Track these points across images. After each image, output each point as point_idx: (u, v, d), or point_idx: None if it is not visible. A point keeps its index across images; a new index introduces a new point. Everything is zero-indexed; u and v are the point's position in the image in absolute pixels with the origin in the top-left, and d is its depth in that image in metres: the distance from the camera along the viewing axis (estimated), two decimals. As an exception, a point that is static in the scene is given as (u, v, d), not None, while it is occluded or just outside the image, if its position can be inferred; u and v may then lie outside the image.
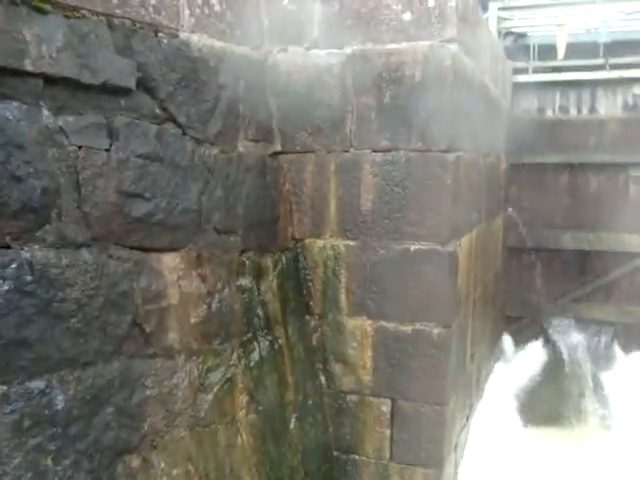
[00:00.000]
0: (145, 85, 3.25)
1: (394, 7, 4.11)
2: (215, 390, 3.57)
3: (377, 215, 4.30)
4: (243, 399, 3.77)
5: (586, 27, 8.22)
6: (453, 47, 4.05)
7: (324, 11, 4.31)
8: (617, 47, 7.89)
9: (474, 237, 5.10)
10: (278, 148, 4.42)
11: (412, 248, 4.24)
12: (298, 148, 4.42)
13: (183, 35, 3.54)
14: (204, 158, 3.68)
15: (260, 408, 3.90)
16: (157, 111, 3.35)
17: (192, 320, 3.50)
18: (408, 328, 4.31)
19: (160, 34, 3.35)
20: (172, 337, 3.38)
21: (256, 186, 4.12)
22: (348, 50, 4.24)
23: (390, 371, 4.38)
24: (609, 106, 7.43)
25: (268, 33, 4.40)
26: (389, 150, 4.23)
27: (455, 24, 4.02)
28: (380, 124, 4.22)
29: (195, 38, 3.63)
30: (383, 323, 4.36)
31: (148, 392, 3.18)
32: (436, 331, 4.26)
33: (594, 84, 7.42)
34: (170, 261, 3.41)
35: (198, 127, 3.64)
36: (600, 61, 7.84)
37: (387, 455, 4.47)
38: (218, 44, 3.85)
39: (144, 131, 3.24)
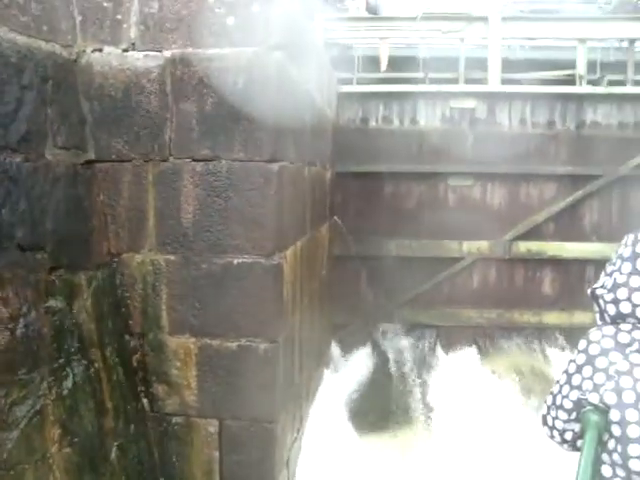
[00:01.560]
0: None
1: (217, 11, 3.94)
2: (22, 426, 3.19)
3: (199, 228, 4.10)
4: (55, 432, 3.42)
5: (407, 42, 8.52)
6: (278, 54, 3.95)
7: (142, 11, 4.05)
8: (435, 62, 8.25)
9: (300, 248, 5.04)
10: (92, 156, 4.09)
11: (235, 262, 4.09)
12: (114, 157, 4.12)
13: (-24, 27, 3.16)
14: (5, 166, 3.29)
15: (75, 440, 3.57)
16: (-55, 113, 2.96)
17: (-8, 349, 3.12)
18: (233, 345, 4.15)
19: (-54, 24, 2.96)
20: (-33, 371, 3.00)
21: (67, 198, 3.77)
22: (168, 54, 4.01)
23: (216, 390, 4.19)
24: (429, 118, 7.71)
25: (81, 30, 4.07)
26: (211, 159, 4.05)
27: (280, 31, 3.93)
28: (201, 132, 4.03)
29: (-8, 31, 3.26)
30: (207, 340, 4.16)
31: None
32: (263, 346, 4.13)
33: (415, 96, 7.66)
34: (-37, 284, 3.03)
35: (-3, 132, 3.26)
36: (420, 75, 8.16)
37: (217, 478, 4.26)
38: (21, 39, 3.47)
39: None
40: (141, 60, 4.06)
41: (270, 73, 3.94)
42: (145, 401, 4.27)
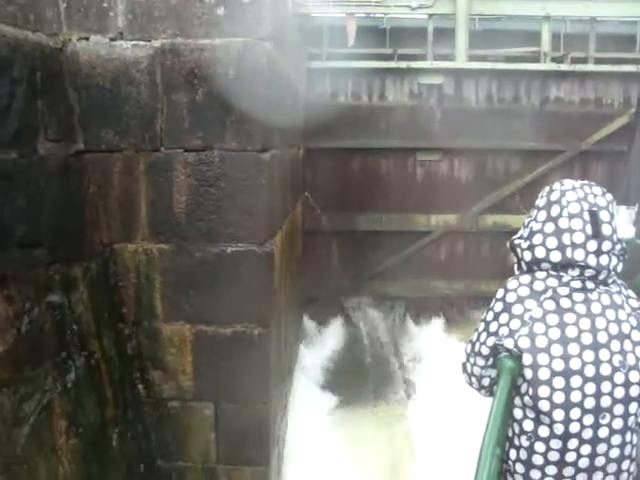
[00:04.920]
0: None
1: (207, 1, 3.94)
2: (31, 421, 3.26)
3: (191, 217, 4.14)
4: (62, 425, 3.49)
5: (374, 16, 8.52)
6: (268, 45, 3.99)
7: (130, -1, 4.03)
8: (403, 35, 8.31)
9: (284, 231, 5.13)
10: (81, 147, 4.06)
11: (229, 250, 4.16)
12: (104, 147, 4.11)
13: (-35, 20, 3.11)
14: (1, 165, 3.28)
15: (81, 430, 3.64)
16: (-59, 113, 2.93)
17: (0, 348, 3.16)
18: (228, 330, 4.24)
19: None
20: (-23, 370, 3.03)
21: (60, 191, 3.77)
22: (157, 44, 4.01)
23: (212, 375, 4.29)
24: (397, 93, 7.77)
25: (66, 18, 4.02)
26: (203, 149, 4.08)
27: (270, 21, 3.96)
28: (192, 122, 4.05)
29: (-20, 24, 3.21)
30: (202, 327, 4.24)
31: (-48, 438, 2.83)
32: (256, 331, 4.24)
33: (384, 72, 7.71)
34: (-32, 285, 3.04)
35: (-9, 129, 3.24)
36: (389, 51, 8.20)
37: (214, 458, 4.40)
38: (9, 30, 3.41)
39: None
40: (130, 50, 4.04)
41: (261, 64, 3.98)
42: (141, 387, 4.34)
